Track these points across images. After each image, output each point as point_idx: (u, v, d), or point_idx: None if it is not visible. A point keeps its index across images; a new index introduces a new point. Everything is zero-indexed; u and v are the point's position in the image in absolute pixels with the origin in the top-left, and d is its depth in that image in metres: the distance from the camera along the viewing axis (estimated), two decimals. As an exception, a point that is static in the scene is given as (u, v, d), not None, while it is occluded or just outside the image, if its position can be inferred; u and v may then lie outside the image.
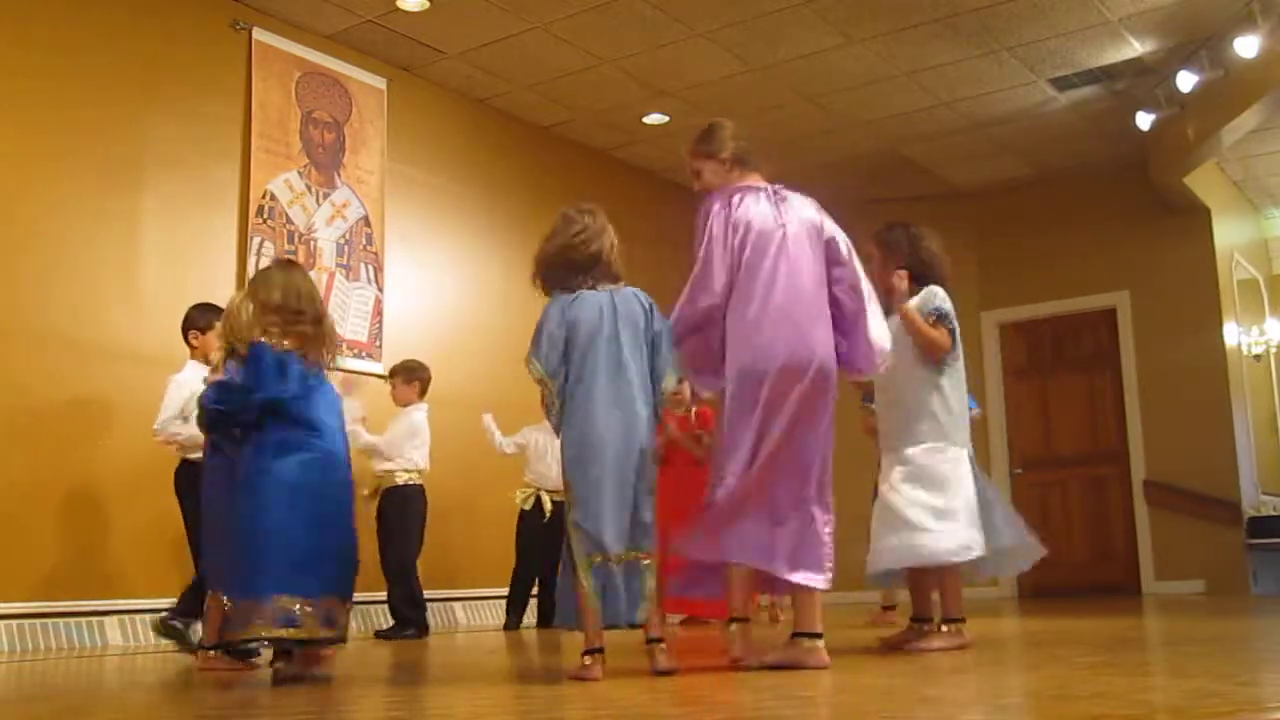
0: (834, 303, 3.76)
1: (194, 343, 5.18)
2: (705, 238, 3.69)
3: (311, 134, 7.19)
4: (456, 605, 7.27)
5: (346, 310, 6.99)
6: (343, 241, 7.25)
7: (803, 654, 3.52)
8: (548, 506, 6.81)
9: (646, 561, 3.47)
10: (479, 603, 7.42)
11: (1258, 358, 10.52)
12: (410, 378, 6.52)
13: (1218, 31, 7.43)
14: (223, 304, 6.49)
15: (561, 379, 3.53)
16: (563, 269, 3.62)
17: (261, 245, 6.77)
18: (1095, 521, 9.77)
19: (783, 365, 3.57)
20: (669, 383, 3.62)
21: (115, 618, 5.78)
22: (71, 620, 5.62)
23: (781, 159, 9.56)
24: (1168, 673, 3.34)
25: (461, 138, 8.19)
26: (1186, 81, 7.80)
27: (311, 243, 7.06)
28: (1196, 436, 9.30)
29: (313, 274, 6.97)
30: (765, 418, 3.56)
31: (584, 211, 3.68)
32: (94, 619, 5.70)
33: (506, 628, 6.93)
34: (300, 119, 7.13)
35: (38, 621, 5.51)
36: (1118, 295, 9.87)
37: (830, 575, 3.59)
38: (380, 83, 7.64)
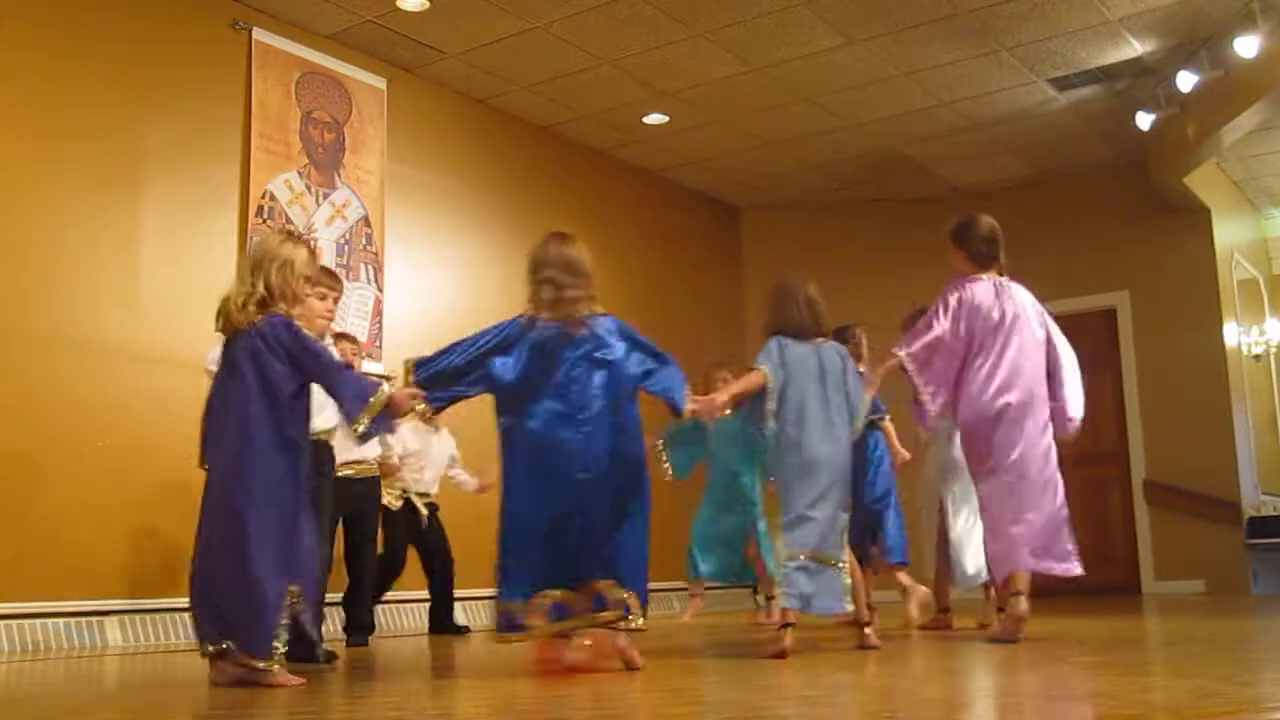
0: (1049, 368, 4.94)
1: None
2: (937, 305, 4.91)
3: (311, 134, 7.19)
4: (456, 605, 7.25)
5: (346, 310, 6.98)
6: (342, 241, 7.25)
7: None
8: (423, 510, 6.24)
9: (843, 564, 4.27)
10: (478, 603, 7.41)
11: (1258, 358, 10.52)
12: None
13: (1218, 31, 7.43)
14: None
15: (776, 401, 4.31)
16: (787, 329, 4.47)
17: (261, 245, 6.76)
18: (1095, 522, 9.74)
19: (1010, 411, 4.73)
20: (860, 422, 4.49)
21: (115, 618, 5.78)
22: (71, 620, 5.62)
23: (782, 159, 9.58)
24: (1168, 673, 3.34)
25: (461, 138, 8.19)
26: (1186, 81, 7.79)
27: (311, 243, 7.04)
28: (1196, 436, 9.29)
29: (313, 274, 6.99)
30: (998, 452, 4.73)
31: (806, 282, 4.54)
32: (94, 619, 5.70)
33: (352, 643, 5.65)
34: (300, 119, 7.13)
35: (38, 621, 5.51)
36: (1118, 295, 9.86)
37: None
38: (380, 83, 7.63)
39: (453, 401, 3.86)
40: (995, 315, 4.85)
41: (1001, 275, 5.02)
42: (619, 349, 3.79)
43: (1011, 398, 4.74)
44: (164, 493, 6.05)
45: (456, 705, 3.02)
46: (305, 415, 3.66)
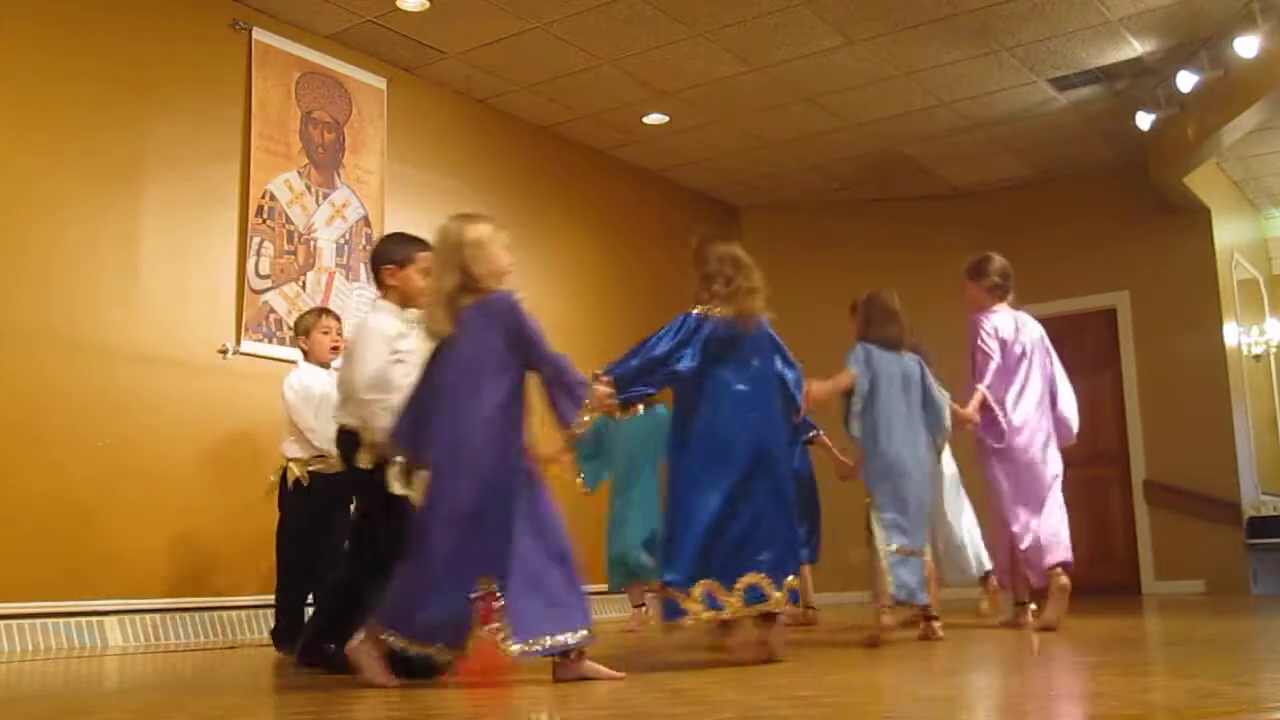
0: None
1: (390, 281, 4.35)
2: (979, 337, 5.35)
3: (311, 134, 7.19)
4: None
5: (346, 310, 6.97)
6: (342, 242, 7.25)
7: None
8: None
9: (927, 556, 4.75)
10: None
11: (1258, 358, 10.51)
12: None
13: (1218, 31, 7.43)
14: (225, 303, 6.55)
15: (861, 404, 4.66)
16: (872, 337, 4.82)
17: (261, 245, 6.77)
18: (1095, 522, 9.74)
19: (1029, 432, 5.29)
20: (947, 422, 4.91)
21: (115, 618, 5.78)
22: (71, 620, 5.62)
23: (782, 159, 9.58)
24: (1168, 673, 3.34)
25: (461, 138, 8.19)
26: (1186, 81, 7.79)
27: (311, 243, 7.06)
28: (1196, 436, 9.29)
29: (311, 274, 7.00)
30: (1025, 467, 5.27)
31: (893, 295, 4.89)
32: (94, 619, 5.70)
33: (287, 648, 4.87)
34: (300, 119, 7.13)
35: (38, 621, 5.51)
36: (1118, 295, 9.86)
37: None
38: (380, 83, 7.63)
39: (636, 400, 4.04)
40: (1018, 348, 5.37)
41: (1015, 309, 5.51)
42: (779, 344, 4.08)
43: (1035, 423, 5.30)
44: (164, 493, 6.06)
45: (455, 705, 3.02)
46: (525, 401, 3.47)
